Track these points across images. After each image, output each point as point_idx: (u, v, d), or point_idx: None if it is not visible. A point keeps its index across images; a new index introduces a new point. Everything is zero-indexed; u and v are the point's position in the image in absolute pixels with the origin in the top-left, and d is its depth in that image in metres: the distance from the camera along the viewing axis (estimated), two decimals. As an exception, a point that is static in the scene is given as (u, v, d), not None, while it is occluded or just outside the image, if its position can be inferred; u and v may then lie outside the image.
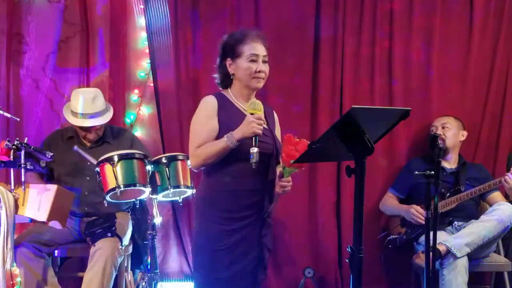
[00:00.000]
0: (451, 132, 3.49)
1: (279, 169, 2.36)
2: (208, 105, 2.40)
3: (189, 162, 2.45)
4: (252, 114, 2.27)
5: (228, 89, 2.47)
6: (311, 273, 3.61)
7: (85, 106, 3.21)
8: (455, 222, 3.36)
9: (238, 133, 2.25)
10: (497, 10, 3.72)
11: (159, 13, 3.67)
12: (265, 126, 2.37)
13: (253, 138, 2.21)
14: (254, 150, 2.20)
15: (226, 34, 2.52)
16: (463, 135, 3.55)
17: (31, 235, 3.06)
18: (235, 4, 3.69)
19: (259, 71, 2.38)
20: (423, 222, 3.07)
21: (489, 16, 3.72)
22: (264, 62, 2.41)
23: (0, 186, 2.71)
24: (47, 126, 3.66)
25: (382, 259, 3.55)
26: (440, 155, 2.65)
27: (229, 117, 2.36)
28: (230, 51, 2.42)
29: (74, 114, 3.23)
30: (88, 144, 3.32)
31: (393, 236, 3.47)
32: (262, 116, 2.30)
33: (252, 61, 2.38)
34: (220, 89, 2.52)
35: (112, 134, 3.38)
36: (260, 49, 2.40)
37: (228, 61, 2.43)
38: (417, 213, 3.31)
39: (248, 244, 2.39)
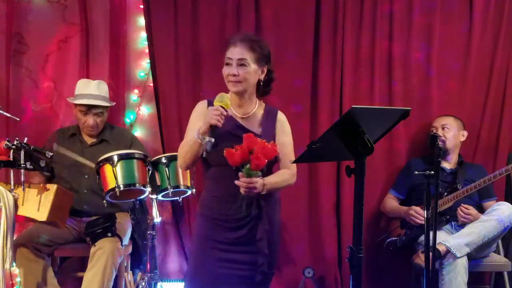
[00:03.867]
0: (451, 133, 3.48)
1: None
2: (197, 109, 2.45)
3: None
4: (222, 107, 2.26)
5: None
6: (311, 273, 3.61)
7: (90, 87, 3.27)
8: (454, 222, 3.36)
9: (201, 126, 2.25)
10: (497, 10, 3.72)
11: (159, 12, 3.67)
12: (253, 130, 2.36)
13: (211, 128, 2.20)
14: (207, 139, 2.19)
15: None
16: (463, 135, 3.55)
17: (31, 235, 3.06)
18: (235, 4, 3.69)
19: (230, 74, 2.33)
20: (423, 223, 3.07)
21: (488, 16, 3.72)
22: (241, 65, 2.33)
23: (0, 186, 2.71)
24: (47, 126, 3.66)
25: (382, 260, 3.54)
26: (440, 155, 2.65)
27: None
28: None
29: (78, 96, 3.25)
30: (88, 142, 3.33)
31: (393, 238, 3.47)
32: (221, 109, 2.24)
33: (227, 64, 2.35)
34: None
35: (112, 134, 3.38)
36: (235, 52, 2.34)
37: None
38: (416, 214, 3.31)
39: (238, 248, 2.37)
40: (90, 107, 3.24)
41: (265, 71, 2.42)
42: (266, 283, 2.49)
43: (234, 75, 2.33)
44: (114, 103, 3.43)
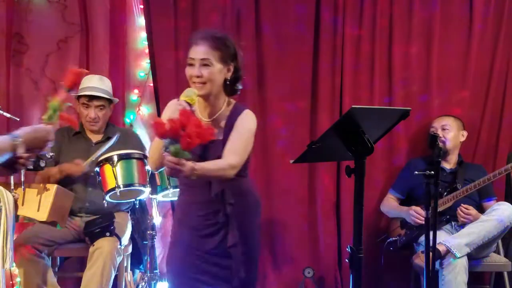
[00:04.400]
0: (451, 134, 3.48)
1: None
2: (169, 108, 2.35)
3: None
4: (187, 102, 2.12)
5: None
6: (310, 273, 3.61)
7: (92, 81, 3.30)
8: (454, 222, 3.36)
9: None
10: (497, 11, 3.72)
11: (159, 12, 3.67)
12: (213, 138, 2.11)
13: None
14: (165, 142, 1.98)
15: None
16: (463, 135, 3.54)
17: (30, 235, 3.06)
18: (235, 4, 3.69)
19: (194, 76, 2.21)
20: (423, 223, 3.07)
21: (488, 17, 3.72)
22: (204, 65, 2.21)
23: (0, 186, 2.71)
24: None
25: (382, 260, 3.54)
26: (440, 155, 2.65)
27: None
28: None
29: (80, 90, 3.26)
30: (94, 141, 3.34)
31: (393, 238, 3.47)
32: (190, 103, 2.12)
33: (190, 65, 2.24)
34: None
35: (117, 132, 3.39)
36: (198, 52, 2.21)
37: None
38: (416, 214, 3.31)
39: (213, 254, 2.33)
40: (91, 98, 3.24)
41: (232, 70, 2.29)
42: None
43: (198, 77, 2.21)
44: (117, 100, 3.43)
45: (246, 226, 2.37)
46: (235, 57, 2.31)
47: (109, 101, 3.33)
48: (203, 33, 2.30)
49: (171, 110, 2.29)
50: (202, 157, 2.21)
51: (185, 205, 2.40)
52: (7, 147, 1.72)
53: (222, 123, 2.31)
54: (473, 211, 3.25)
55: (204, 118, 2.32)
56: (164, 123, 1.94)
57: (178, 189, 2.54)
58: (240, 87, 2.39)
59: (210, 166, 2.16)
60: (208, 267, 2.34)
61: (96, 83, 3.29)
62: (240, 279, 2.35)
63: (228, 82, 2.30)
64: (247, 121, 2.32)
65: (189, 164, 1.99)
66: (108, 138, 3.34)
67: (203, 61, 2.21)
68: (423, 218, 2.79)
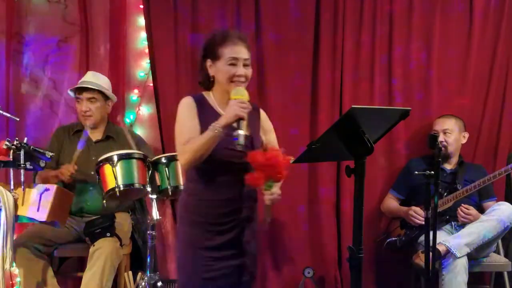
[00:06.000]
0: (453, 137, 3.47)
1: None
2: (187, 105, 2.33)
3: (179, 160, 2.32)
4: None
5: (210, 91, 2.40)
6: (310, 273, 3.61)
7: (86, 76, 3.36)
8: (454, 222, 3.36)
9: (221, 120, 2.16)
10: (497, 10, 3.72)
11: (159, 12, 3.67)
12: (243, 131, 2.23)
13: (237, 121, 2.15)
14: (239, 132, 2.13)
15: (210, 34, 2.42)
16: (464, 136, 3.54)
17: (30, 235, 3.07)
18: (235, 4, 3.69)
19: (239, 75, 2.27)
20: (423, 223, 3.07)
21: (489, 16, 3.72)
22: (245, 65, 2.30)
23: (0, 186, 2.71)
24: (47, 126, 3.66)
25: (382, 260, 3.54)
26: (440, 155, 2.64)
27: (208, 121, 2.23)
28: (211, 52, 2.32)
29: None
30: (94, 139, 3.34)
31: (393, 238, 3.47)
32: (246, 101, 2.20)
33: (232, 64, 2.27)
34: (203, 89, 2.45)
35: (117, 132, 3.39)
36: (241, 52, 2.29)
37: (208, 62, 2.34)
38: (416, 214, 3.31)
39: (228, 251, 2.34)
40: (81, 91, 3.28)
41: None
42: (251, 284, 2.46)
43: (243, 76, 2.28)
44: (115, 96, 3.43)
45: (257, 223, 2.43)
46: None
47: (103, 95, 3.33)
48: (237, 33, 2.36)
49: (192, 109, 2.31)
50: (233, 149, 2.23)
51: (204, 205, 2.35)
52: None
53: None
54: (473, 211, 3.25)
55: None
56: (259, 154, 2.17)
57: (186, 191, 2.48)
58: None
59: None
60: (221, 263, 2.34)
61: (88, 78, 3.35)
62: (250, 274, 2.41)
63: None
64: (269, 120, 2.53)
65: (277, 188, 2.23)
66: (108, 138, 3.34)
67: (245, 61, 2.30)
68: (423, 219, 2.79)
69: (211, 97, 2.38)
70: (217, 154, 2.22)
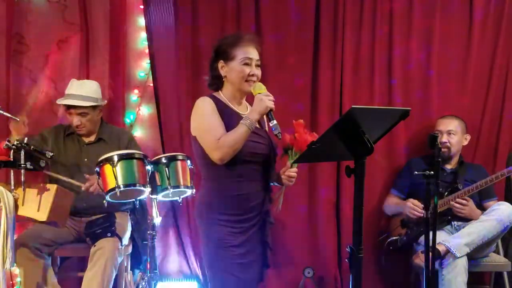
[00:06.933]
0: (456, 139, 3.47)
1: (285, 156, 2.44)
2: (208, 104, 2.40)
3: (215, 155, 2.33)
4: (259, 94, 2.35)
5: (219, 91, 2.49)
6: (310, 273, 3.61)
7: (72, 87, 3.29)
8: (454, 222, 3.36)
9: (253, 114, 2.31)
10: (497, 10, 3.72)
11: (159, 13, 3.67)
12: (257, 126, 2.40)
13: (268, 113, 2.30)
14: (274, 122, 2.28)
15: (221, 37, 2.55)
16: (466, 138, 3.54)
17: (31, 235, 3.06)
18: (235, 4, 3.69)
19: (252, 75, 2.39)
20: (421, 215, 3.07)
21: (489, 16, 3.72)
22: (257, 66, 2.42)
23: (0, 186, 2.71)
24: (47, 126, 3.66)
25: (383, 260, 3.55)
26: (440, 155, 2.64)
27: (226, 118, 2.38)
28: (223, 53, 2.43)
29: (64, 97, 3.28)
30: (86, 141, 3.34)
31: (394, 238, 3.47)
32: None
33: (246, 64, 2.39)
34: (211, 91, 2.52)
35: (110, 133, 3.38)
36: (253, 53, 2.42)
37: (221, 63, 2.44)
38: (414, 206, 3.31)
39: (253, 244, 2.43)
40: (69, 107, 3.26)
41: None
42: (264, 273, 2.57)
43: (256, 75, 2.41)
44: (104, 102, 3.39)
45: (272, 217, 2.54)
46: None
47: (93, 106, 3.31)
48: (248, 34, 2.48)
49: (213, 107, 2.39)
50: (255, 141, 2.39)
51: (230, 201, 2.39)
52: None
53: None
54: (471, 204, 3.24)
55: (241, 112, 2.45)
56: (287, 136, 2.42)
57: (207, 190, 2.50)
58: None
59: None
60: (248, 257, 2.41)
61: (75, 90, 3.28)
62: (268, 260, 2.51)
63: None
64: None
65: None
66: (99, 140, 3.34)
67: (257, 61, 2.44)
68: (421, 211, 2.78)
69: (222, 96, 2.47)
70: (243, 147, 2.31)
